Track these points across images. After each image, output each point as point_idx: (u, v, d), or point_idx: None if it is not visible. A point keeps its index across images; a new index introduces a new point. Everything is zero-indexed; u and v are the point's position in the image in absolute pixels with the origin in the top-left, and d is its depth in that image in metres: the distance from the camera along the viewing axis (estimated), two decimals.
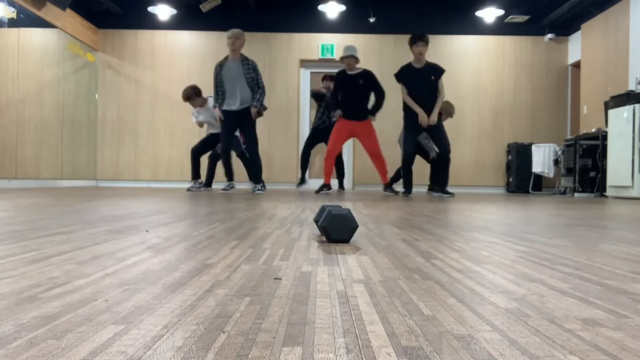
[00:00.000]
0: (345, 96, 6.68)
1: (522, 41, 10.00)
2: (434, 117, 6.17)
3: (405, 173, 6.39)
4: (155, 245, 1.49)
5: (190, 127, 9.94)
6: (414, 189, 9.80)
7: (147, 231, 1.84)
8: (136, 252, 1.35)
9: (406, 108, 6.33)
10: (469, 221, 2.56)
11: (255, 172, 6.43)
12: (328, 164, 6.77)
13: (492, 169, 9.91)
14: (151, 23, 9.92)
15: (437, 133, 6.33)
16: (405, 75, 6.28)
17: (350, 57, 6.63)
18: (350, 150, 10.04)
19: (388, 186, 6.80)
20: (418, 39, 6.24)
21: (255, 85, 6.32)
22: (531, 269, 1.20)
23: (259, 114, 6.37)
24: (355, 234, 1.84)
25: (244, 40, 6.36)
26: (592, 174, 7.97)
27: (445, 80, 9.96)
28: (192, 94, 7.10)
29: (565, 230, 2.17)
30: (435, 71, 6.28)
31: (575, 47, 9.73)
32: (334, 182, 8.21)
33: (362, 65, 9.82)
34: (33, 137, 8.03)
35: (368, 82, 6.68)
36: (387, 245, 1.58)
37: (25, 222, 2.11)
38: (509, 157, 9.69)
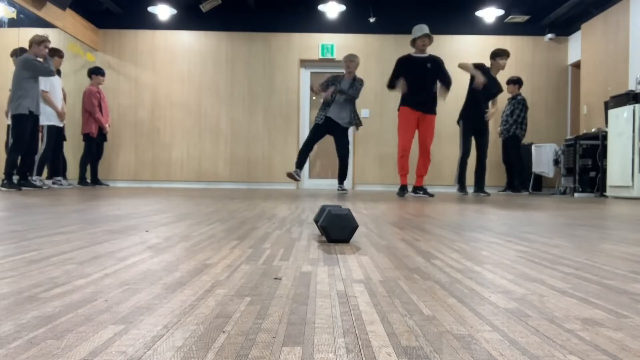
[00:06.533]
0: (413, 82, 6.22)
1: (522, 41, 9.99)
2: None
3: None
4: (155, 245, 1.49)
5: (190, 127, 9.94)
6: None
7: (147, 231, 1.84)
8: (136, 252, 1.35)
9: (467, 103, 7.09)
10: (469, 221, 2.56)
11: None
12: (404, 162, 6.25)
13: (492, 169, 9.90)
14: (151, 23, 9.91)
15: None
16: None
17: (424, 37, 6.26)
18: (350, 148, 10.02)
19: (421, 188, 6.32)
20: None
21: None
22: (531, 269, 1.20)
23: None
24: (355, 234, 1.84)
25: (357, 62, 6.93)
26: (592, 174, 7.97)
27: None
28: None
29: (565, 230, 2.17)
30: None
31: (575, 47, 9.72)
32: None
33: (363, 65, 9.88)
34: None
35: (436, 67, 6.29)
36: (387, 245, 1.57)
37: (25, 222, 2.11)
38: None
